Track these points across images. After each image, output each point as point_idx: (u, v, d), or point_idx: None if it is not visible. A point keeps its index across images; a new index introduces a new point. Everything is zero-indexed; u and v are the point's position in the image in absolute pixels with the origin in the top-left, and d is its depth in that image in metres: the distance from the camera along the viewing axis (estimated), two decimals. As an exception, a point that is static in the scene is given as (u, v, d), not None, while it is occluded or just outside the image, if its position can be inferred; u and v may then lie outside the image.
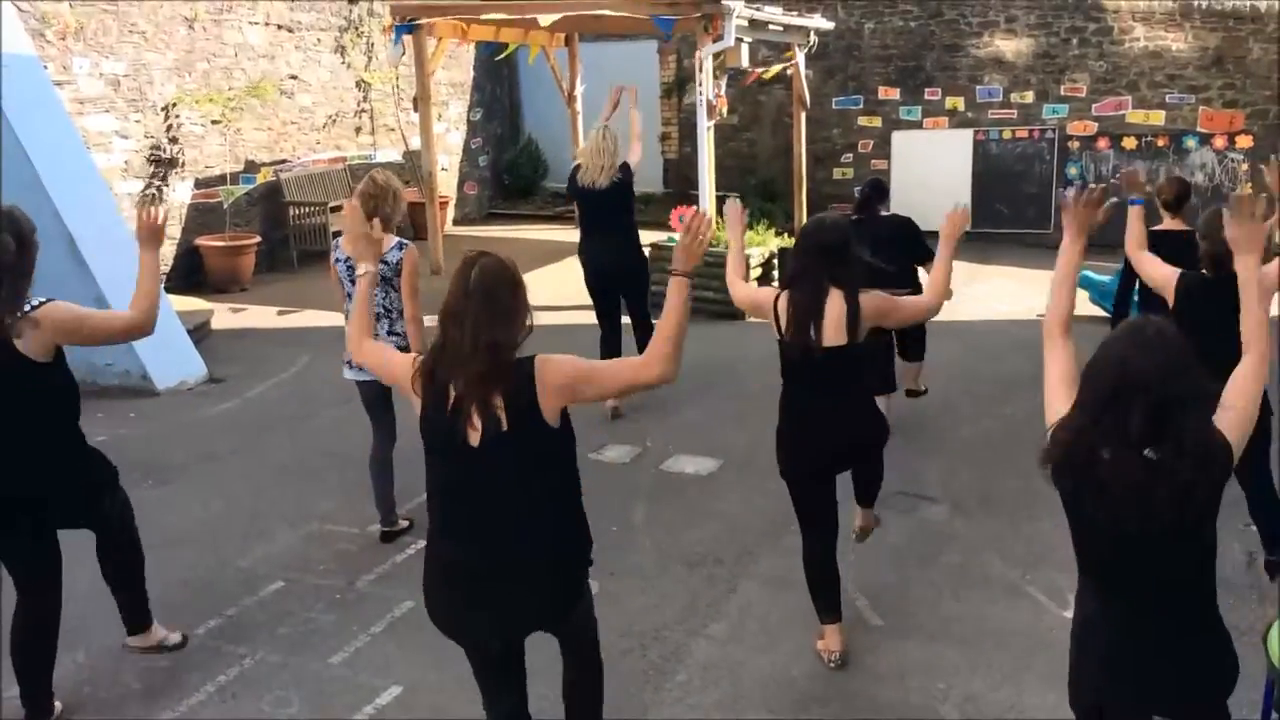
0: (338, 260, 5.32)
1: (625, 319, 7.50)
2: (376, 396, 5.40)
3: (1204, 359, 3.61)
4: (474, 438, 2.92)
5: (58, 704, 4.03)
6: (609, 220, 7.21)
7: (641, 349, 7.21)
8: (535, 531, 2.99)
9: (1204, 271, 4.73)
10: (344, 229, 5.25)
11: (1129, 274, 6.02)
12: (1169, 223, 6.00)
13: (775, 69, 12.57)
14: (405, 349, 5.05)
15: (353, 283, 5.15)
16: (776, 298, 4.18)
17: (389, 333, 5.23)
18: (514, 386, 2.91)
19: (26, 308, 3.63)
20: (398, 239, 5.30)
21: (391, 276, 5.18)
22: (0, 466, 3.72)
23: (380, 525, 5.55)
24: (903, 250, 6.66)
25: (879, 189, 7.06)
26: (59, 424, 3.86)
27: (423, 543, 5.38)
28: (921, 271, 6.79)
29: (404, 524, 5.56)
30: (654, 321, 7.27)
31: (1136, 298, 5.99)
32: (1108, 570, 2.67)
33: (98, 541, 4.24)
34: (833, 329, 4.03)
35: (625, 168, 7.21)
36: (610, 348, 7.42)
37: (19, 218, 3.73)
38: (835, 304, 4.03)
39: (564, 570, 3.11)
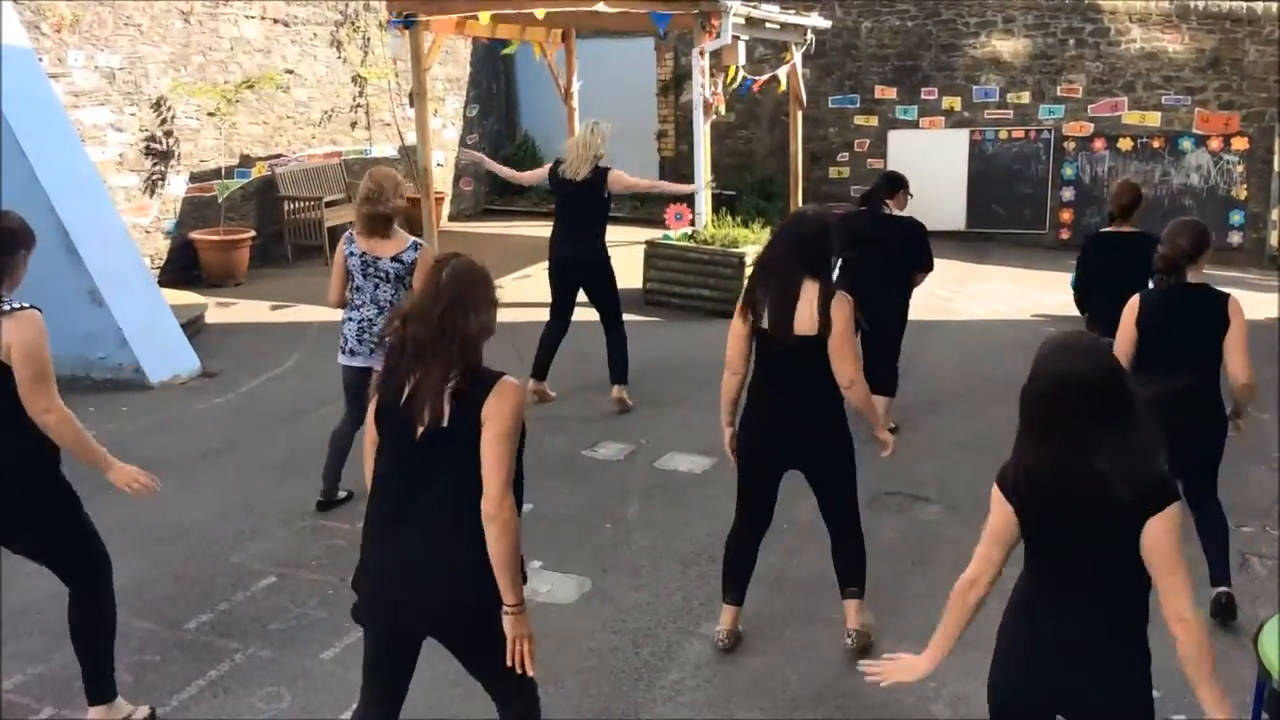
0: (351, 254, 5.35)
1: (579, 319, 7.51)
2: (359, 386, 5.38)
3: (1178, 375, 3.66)
4: (419, 431, 2.91)
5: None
6: (580, 214, 7.21)
7: (611, 351, 7.40)
8: (452, 535, 2.92)
9: (1159, 279, 4.65)
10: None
11: (1080, 277, 6.19)
12: (1118, 225, 6.09)
13: (783, 79, 12.50)
14: None
15: (365, 276, 5.32)
16: (748, 290, 4.23)
17: None
18: (470, 391, 2.89)
19: (7, 307, 3.50)
20: (413, 239, 5.43)
21: (405, 275, 5.29)
22: None
23: (320, 495, 5.76)
24: (903, 256, 6.66)
25: (888, 183, 6.88)
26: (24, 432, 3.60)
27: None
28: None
29: (343, 494, 5.80)
30: (624, 328, 7.45)
31: (1091, 303, 6.08)
32: (1053, 570, 2.70)
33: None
34: (805, 319, 4.05)
35: (606, 171, 7.17)
36: (551, 341, 7.39)
37: (7, 216, 3.66)
38: (809, 294, 4.05)
39: (471, 584, 2.95)
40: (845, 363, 4.10)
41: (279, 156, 12.31)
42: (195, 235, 11.13)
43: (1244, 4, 13.16)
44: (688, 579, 5.12)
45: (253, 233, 11.56)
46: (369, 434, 3.11)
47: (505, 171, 8.10)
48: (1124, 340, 4.52)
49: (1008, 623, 2.83)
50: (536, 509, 5.84)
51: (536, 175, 7.59)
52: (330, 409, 7.49)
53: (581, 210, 7.21)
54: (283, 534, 5.58)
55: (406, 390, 2.93)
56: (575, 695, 4.15)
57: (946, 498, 6.04)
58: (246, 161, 11.80)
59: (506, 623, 2.94)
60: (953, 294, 10.97)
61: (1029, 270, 12.67)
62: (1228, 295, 4.53)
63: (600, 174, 7.16)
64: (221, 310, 10.08)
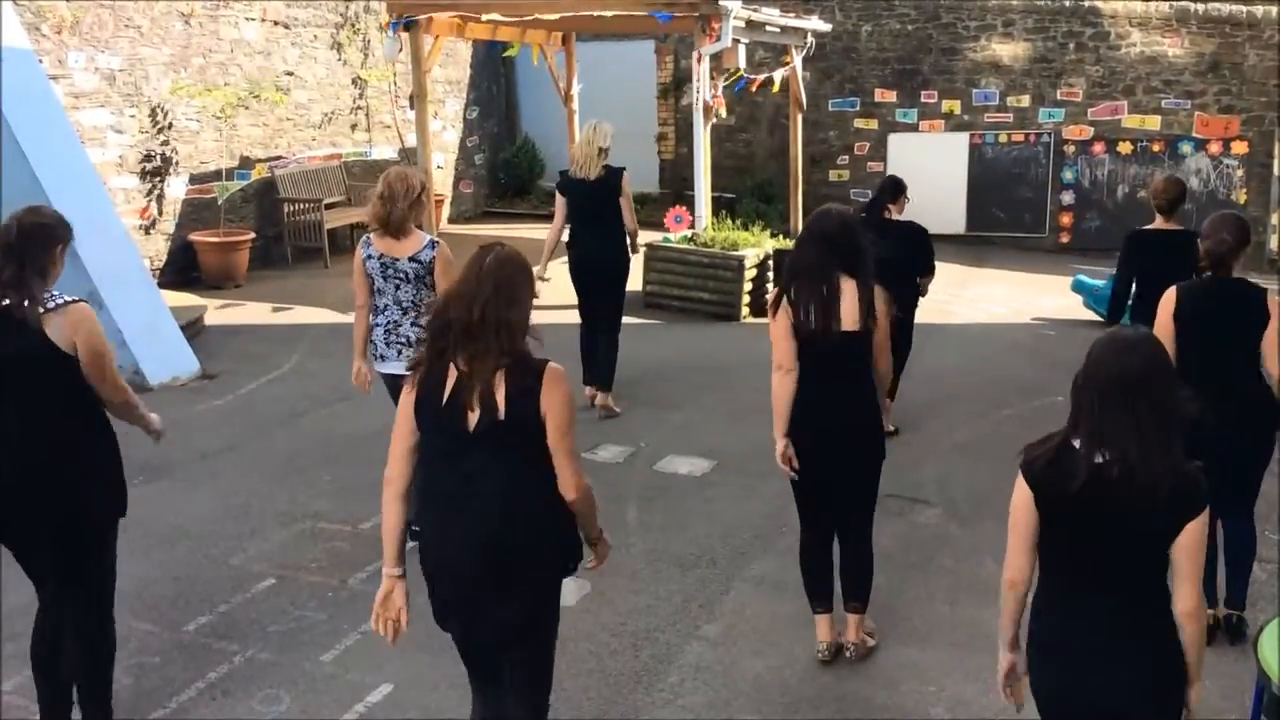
0: (369, 258, 5.30)
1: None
2: (398, 391, 5.36)
3: (1216, 371, 3.84)
4: (470, 420, 2.93)
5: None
6: (598, 212, 7.18)
7: (603, 354, 7.42)
8: (515, 522, 2.98)
9: (1203, 274, 4.57)
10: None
11: (1123, 279, 6.07)
12: (1162, 223, 6.01)
13: (779, 81, 12.54)
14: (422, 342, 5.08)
15: (384, 278, 5.23)
16: (782, 291, 4.23)
17: (413, 325, 5.26)
18: (519, 379, 2.93)
19: (55, 303, 3.58)
20: (429, 237, 5.35)
21: (424, 275, 5.23)
22: (31, 457, 3.60)
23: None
24: (909, 259, 6.67)
25: (891, 188, 6.96)
26: (94, 420, 3.73)
27: (415, 541, 5.45)
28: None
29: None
30: (619, 332, 7.48)
31: (1130, 302, 6.01)
32: (1085, 576, 2.74)
33: (57, 598, 3.77)
34: (848, 315, 4.09)
35: (620, 171, 7.21)
36: (589, 348, 7.44)
37: (39, 211, 3.75)
38: (850, 291, 4.10)
39: (537, 567, 3.07)
40: (887, 352, 4.27)
41: (279, 158, 12.31)
42: (195, 237, 11.13)
43: (1244, 8, 13.17)
44: (687, 582, 5.12)
45: (252, 235, 11.55)
46: (401, 428, 3.09)
47: (551, 241, 7.57)
48: (1162, 335, 4.33)
49: (1034, 626, 2.86)
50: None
51: (559, 205, 7.40)
52: (329, 411, 7.50)
53: (598, 209, 7.19)
54: (282, 536, 5.58)
55: (450, 382, 2.95)
56: (575, 698, 4.15)
57: (945, 501, 6.04)
58: (246, 163, 11.79)
59: (599, 549, 3.30)
60: (952, 297, 10.97)
61: (1029, 274, 12.68)
62: (1266, 290, 4.47)
63: (615, 174, 7.17)
64: (221, 312, 10.09)
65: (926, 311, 8.55)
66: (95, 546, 3.76)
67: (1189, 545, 2.63)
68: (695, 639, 4.62)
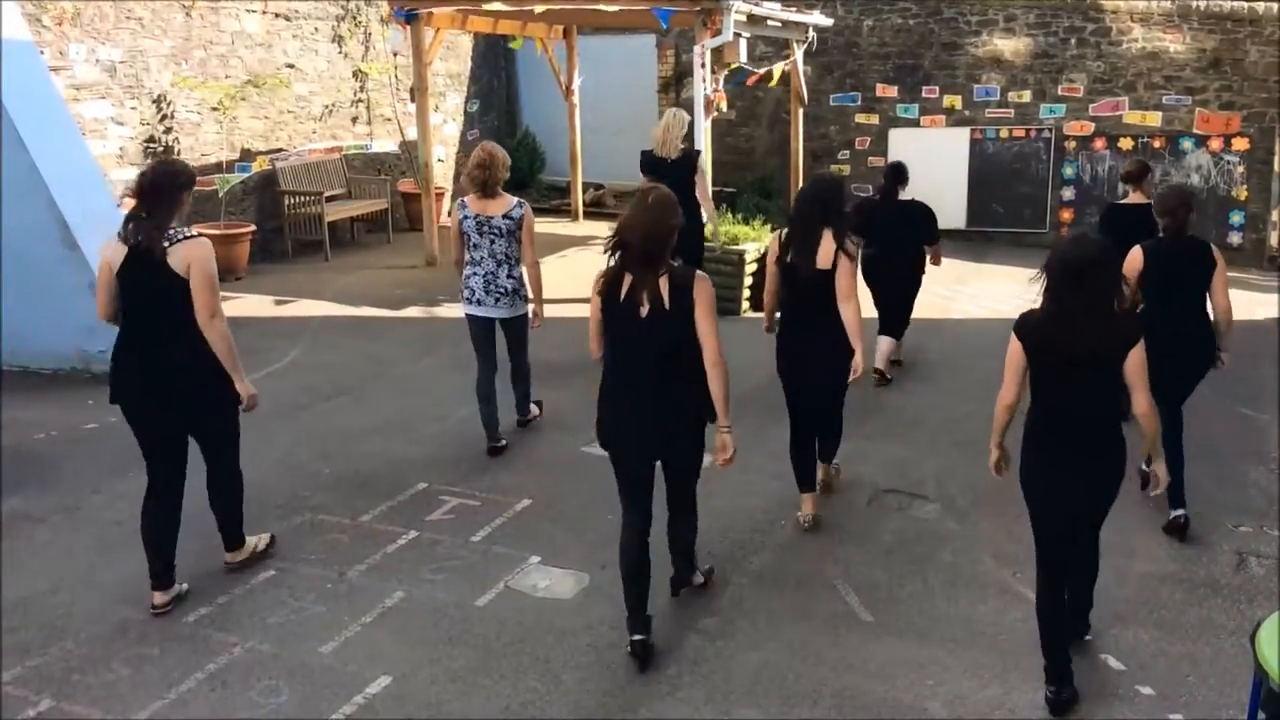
0: (466, 218, 6.26)
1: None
2: (486, 335, 6.46)
3: (1175, 309, 5.46)
4: (644, 310, 4.12)
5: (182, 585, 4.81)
6: (676, 187, 7.78)
7: None
8: (677, 381, 4.18)
9: (1162, 236, 5.56)
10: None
11: (1102, 227, 6.96)
12: (1133, 196, 7.00)
13: (778, 73, 12.55)
14: (517, 290, 6.35)
15: (480, 234, 6.26)
16: (778, 237, 5.43)
17: (509, 276, 6.32)
18: (678, 279, 4.13)
19: (180, 238, 4.52)
20: (516, 199, 6.40)
21: (515, 229, 6.28)
22: (156, 359, 4.57)
23: (488, 441, 6.51)
24: (917, 231, 7.83)
25: (899, 174, 7.91)
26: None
27: (413, 533, 5.46)
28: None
29: (502, 442, 6.52)
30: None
31: None
32: (1059, 400, 3.92)
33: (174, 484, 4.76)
34: (822, 256, 5.21)
35: (696, 153, 8.37)
36: None
37: (168, 161, 4.78)
38: (826, 239, 5.22)
39: (692, 414, 4.32)
40: (847, 277, 5.27)
41: (280, 151, 12.30)
42: (195, 229, 11.09)
43: (1245, 4, 13.15)
44: (686, 575, 5.12)
45: (253, 227, 11.54)
46: (593, 315, 4.30)
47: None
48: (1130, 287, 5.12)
49: (1028, 441, 4.08)
50: (534, 504, 5.85)
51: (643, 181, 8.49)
52: (328, 405, 7.51)
53: (674, 185, 7.81)
54: (281, 528, 5.58)
55: (625, 286, 4.15)
56: (573, 690, 4.16)
57: (944, 496, 6.05)
58: (247, 156, 11.79)
59: (725, 440, 4.39)
60: (953, 293, 10.97)
61: (1029, 270, 12.60)
62: (1210, 243, 5.61)
63: (693, 156, 8.25)
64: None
65: (928, 306, 8.56)
66: (223, 434, 4.86)
67: (1134, 365, 3.80)
68: (694, 632, 4.63)
